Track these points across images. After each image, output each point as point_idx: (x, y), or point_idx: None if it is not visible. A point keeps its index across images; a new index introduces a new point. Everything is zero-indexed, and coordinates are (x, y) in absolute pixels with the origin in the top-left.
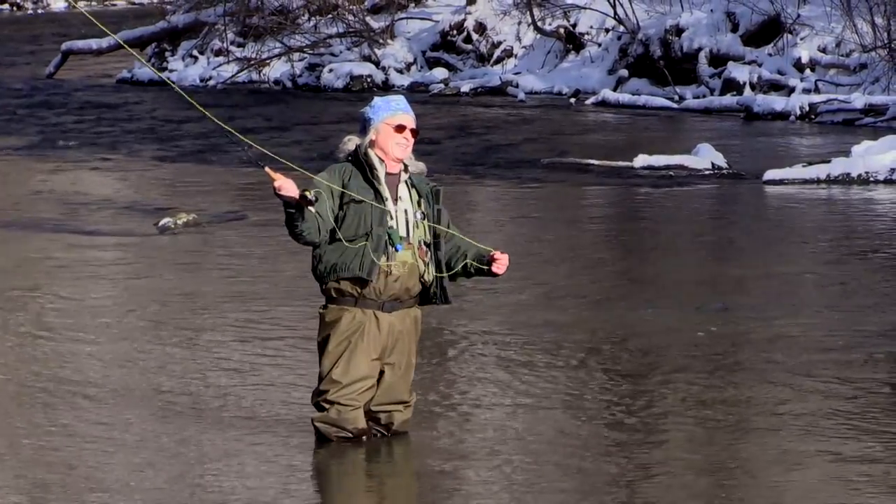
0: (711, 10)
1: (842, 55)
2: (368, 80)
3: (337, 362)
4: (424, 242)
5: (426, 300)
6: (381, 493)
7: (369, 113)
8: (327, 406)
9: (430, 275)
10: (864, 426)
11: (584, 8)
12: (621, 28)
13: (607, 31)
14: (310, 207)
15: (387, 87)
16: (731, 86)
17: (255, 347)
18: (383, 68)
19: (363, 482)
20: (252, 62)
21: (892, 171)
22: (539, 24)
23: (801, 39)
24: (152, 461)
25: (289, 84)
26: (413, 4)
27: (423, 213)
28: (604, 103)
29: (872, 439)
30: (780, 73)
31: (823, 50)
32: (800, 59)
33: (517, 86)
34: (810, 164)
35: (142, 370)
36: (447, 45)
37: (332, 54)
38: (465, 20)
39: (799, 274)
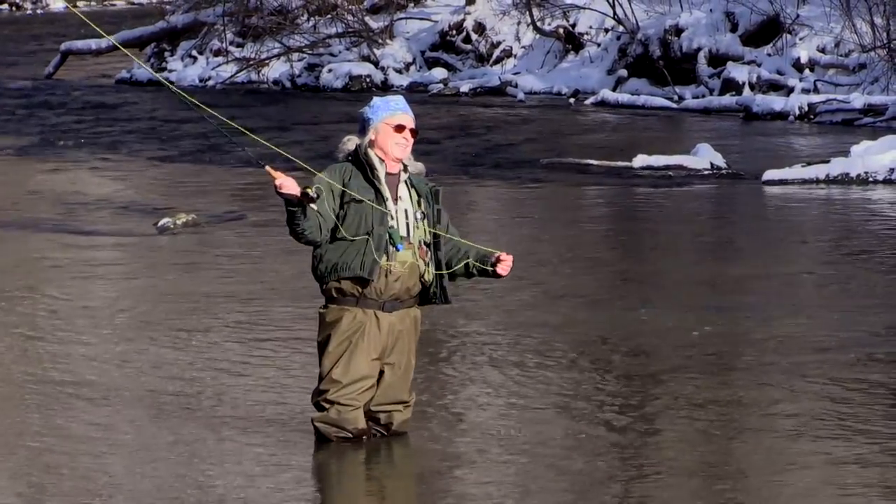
0: (711, 10)
1: (841, 55)
2: (367, 80)
3: (337, 362)
4: (424, 242)
5: (426, 300)
6: (381, 494)
7: (368, 113)
8: (327, 406)
9: (430, 274)
10: (859, 427)
11: (584, 8)
12: (620, 28)
13: (606, 31)
14: (311, 205)
15: (386, 88)
16: (731, 86)
17: (254, 348)
18: (382, 68)
19: (362, 482)
20: (251, 62)
21: (891, 171)
22: (538, 24)
23: (801, 39)
24: (149, 462)
25: (288, 84)
26: (412, 4)
27: (422, 213)
28: (603, 103)
29: (867, 441)
30: (779, 73)
31: (822, 50)
32: (799, 59)
33: (516, 86)
34: (809, 164)
35: (137, 370)
36: (446, 46)
37: (332, 54)
38: (464, 20)
39: (797, 274)
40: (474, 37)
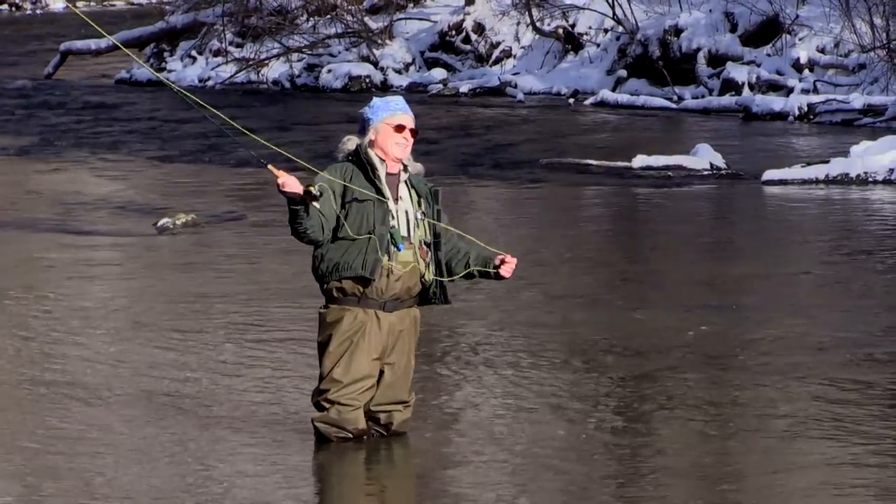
0: (710, 11)
1: (840, 55)
2: (367, 80)
3: (338, 362)
4: (425, 242)
5: (425, 300)
6: (379, 494)
7: (368, 113)
8: (328, 406)
9: (430, 275)
10: (855, 428)
11: (583, 8)
12: (620, 28)
13: (606, 31)
14: (314, 203)
15: (385, 88)
16: (730, 86)
17: (252, 348)
18: (382, 69)
19: (360, 482)
20: (250, 63)
21: (891, 171)
22: (538, 24)
23: (800, 40)
24: (145, 462)
25: (287, 84)
26: (412, 5)
27: (423, 213)
28: (602, 103)
29: (864, 443)
30: (778, 73)
31: (822, 50)
32: (798, 59)
33: (516, 86)
34: (809, 164)
35: (133, 371)
36: (446, 46)
37: (331, 55)
38: (463, 20)
39: (796, 274)
40: (474, 37)
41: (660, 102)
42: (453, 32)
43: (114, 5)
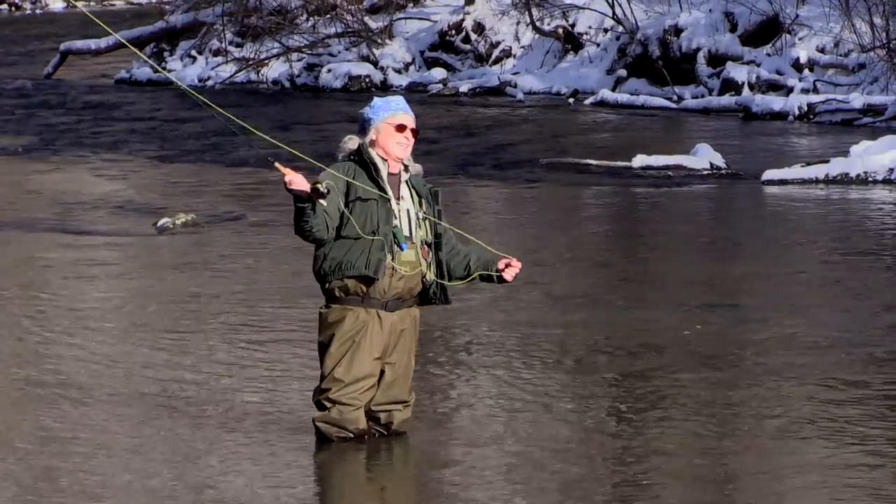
0: (710, 10)
1: (840, 55)
2: (367, 80)
3: (340, 361)
4: (426, 242)
5: (425, 300)
6: (376, 494)
7: (369, 113)
8: (329, 405)
9: (431, 275)
10: (851, 429)
11: (583, 8)
12: (620, 28)
13: (606, 31)
14: (321, 201)
15: (385, 88)
16: (730, 86)
17: (250, 348)
18: (382, 68)
19: (357, 482)
20: (250, 62)
21: (891, 171)
22: (537, 24)
23: (800, 39)
24: (142, 463)
25: (287, 84)
26: (411, 4)
27: (424, 213)
28: (602, 103)
29: (861, 444)
30: (778, 73)
31: (822, 50)
32: (798, 59)
33: (516, 86)
34: (809, 164)
35: (129, 371)
36: (446, 46)
37: (331, 54)
38: (463, 20)
39: (796, 274)
40: (473, 37)
41: (660, 102)
42: (453, 32)
43: (113, 5)
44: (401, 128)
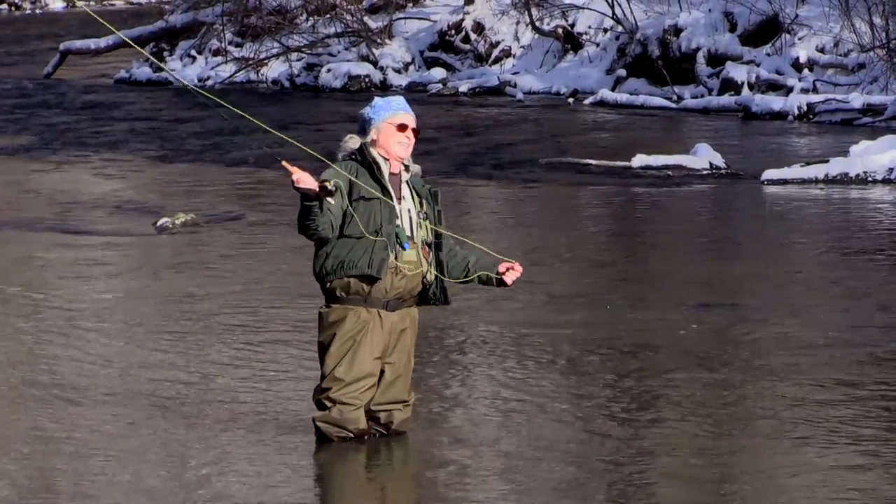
0: (710, 10)
1: (840, 55)
2: (366, 80)
3: (341, 360)
4: (426, 242)
5: (424, 300)
6: (375, 495)
7: (370, 113)
8: (329, 404)
9: (431, 275)
10: (849, 430)
11: (583, 8)
12: (619, 28)
13: (605, 30)
14: (328, 199)
15: (385, 87)
16: (730, 85)
17: (248, 348)
18: (381, 68)
19: (355, 482)
20: (250, 62)
21: (890, 170)
22: (537, 23)
23: (800, 39)
24: (140, 463)
25: (287, 84)
26: (411, 4)
27: (424, 213)
28: (602, 103)
29: (855, 445)
30: (778, 72)
31: (822, 50)
32: (798, 58)
33: (515, 86)
34: (808, 163)
35: (125, 371)
36: (445, 45)
37: (330, 54)
38: (463, 20)
39: (795, 273)
40: (473, 37)
41: (659, 102)
42: (453, 32)
43: (113, 4)
44: (402, 127)
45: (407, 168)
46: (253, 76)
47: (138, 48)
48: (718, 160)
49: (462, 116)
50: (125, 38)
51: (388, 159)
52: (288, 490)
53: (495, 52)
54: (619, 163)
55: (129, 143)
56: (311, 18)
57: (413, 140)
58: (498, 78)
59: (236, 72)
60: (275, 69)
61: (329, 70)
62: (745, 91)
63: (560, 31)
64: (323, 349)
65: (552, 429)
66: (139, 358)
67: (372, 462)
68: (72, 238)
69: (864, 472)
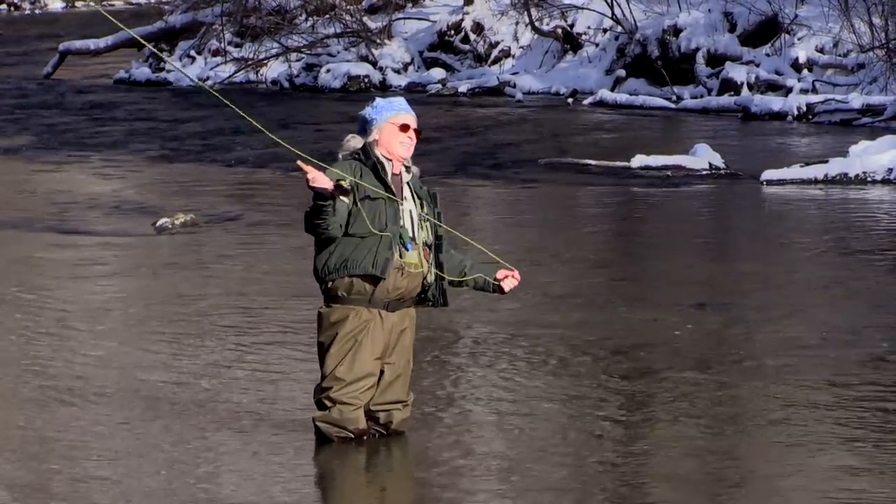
0: (709, 10)
1: (839, 55)
2: (366, 80)
3: (342, 360)
4: (427, 244)
5: (421, 301)
6: (374, 495)
7: (372, 113)
8: (329, 404)
9: (431, 276)
10: (848, 431)
11: (582, 8)
12: (619, 28)
13: (605, 31)
14: (343, 198)
15: (384, 88)
16: (729, 86)
17: (247, 349)
18: (381, 68)
19: (363, 482)
20: (249, 62)
21: (890, 171)
22: (536, 24)
23: (799, 39)
24: (139, 463)
25: (286, 84)
26: (410, 5)
27: (425, 214)
28: (601, 103)
29: (850, 447)
30: (777, 73)
31: (821, 50)
32: (797, 59)
33: (515, 86)
34: (808, 164)
35: (123, 371)
36: (445, 46)
37: (330, 54)
38: (462, 20)
39: (795, 274)
40: (472, 37)
41: (658, 102)
42: (452, 32)
43: (112, 5)
44: (404, 127)
45: (408, 169)
46: (252, 76)
47: (149, 46)
48: (718, 160)
49: (461, 117)
50: (135, 36)
51: (390, 160)
52: (285, 490)
53: (495, 53)
54: (618, 163)
55: (129, 143)
56: (310, 19)
57: (415, 140)
58: (497, 78)
59: (236, 72)
60: (274, 69)
61: (328, 70)
62: (745, 91)
63: (559, 31)
64: (323, 349)
65: (547, 429)
66: (134, 358)
67: (371, 461)
68: (71, 238)
69: (858, 474)
